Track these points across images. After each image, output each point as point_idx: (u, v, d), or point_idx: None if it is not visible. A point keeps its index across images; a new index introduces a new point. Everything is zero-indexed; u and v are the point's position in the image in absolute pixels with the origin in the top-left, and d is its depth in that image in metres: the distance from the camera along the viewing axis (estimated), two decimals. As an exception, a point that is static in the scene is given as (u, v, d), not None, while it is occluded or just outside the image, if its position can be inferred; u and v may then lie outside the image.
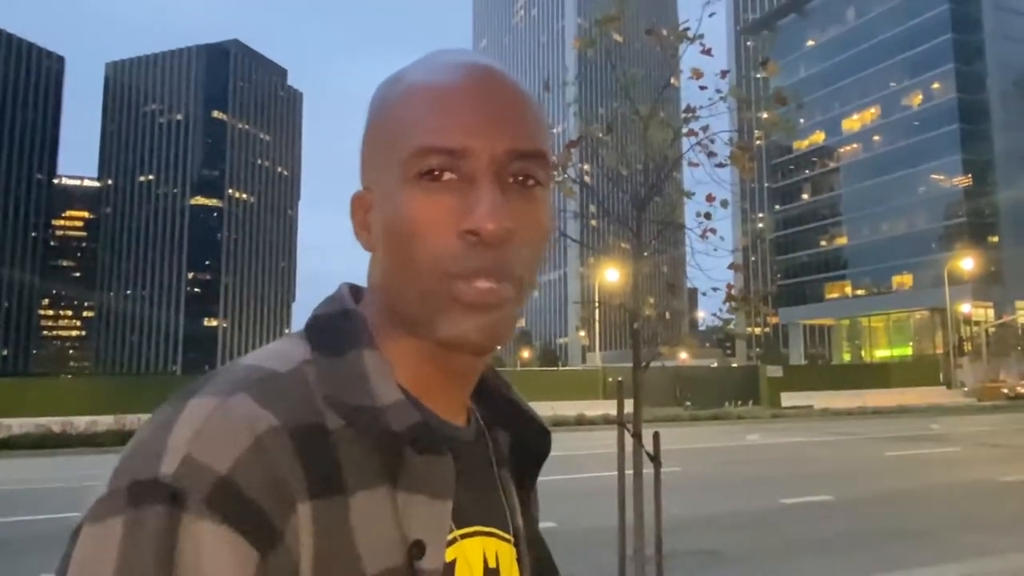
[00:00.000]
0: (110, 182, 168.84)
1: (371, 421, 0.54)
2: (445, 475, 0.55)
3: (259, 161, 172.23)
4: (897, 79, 72.55)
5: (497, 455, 0.67)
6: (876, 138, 74.99)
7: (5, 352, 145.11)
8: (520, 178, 0.57)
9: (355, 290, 0.65)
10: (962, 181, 66.82)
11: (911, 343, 69.42)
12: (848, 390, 33.34)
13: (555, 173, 4.35)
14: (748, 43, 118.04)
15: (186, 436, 0.49)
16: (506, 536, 0.64)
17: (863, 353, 72.80)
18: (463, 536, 0.59)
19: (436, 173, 0.55)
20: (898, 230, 71.68)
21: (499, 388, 0.70)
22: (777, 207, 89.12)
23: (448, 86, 0.56)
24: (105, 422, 19.32)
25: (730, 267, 4.34)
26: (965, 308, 57.12)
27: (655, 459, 4.04)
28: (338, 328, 0.60)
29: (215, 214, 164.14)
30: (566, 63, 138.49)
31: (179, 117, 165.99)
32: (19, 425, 19.05)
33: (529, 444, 0.70)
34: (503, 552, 0.63)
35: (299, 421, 0.52)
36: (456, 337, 0.56)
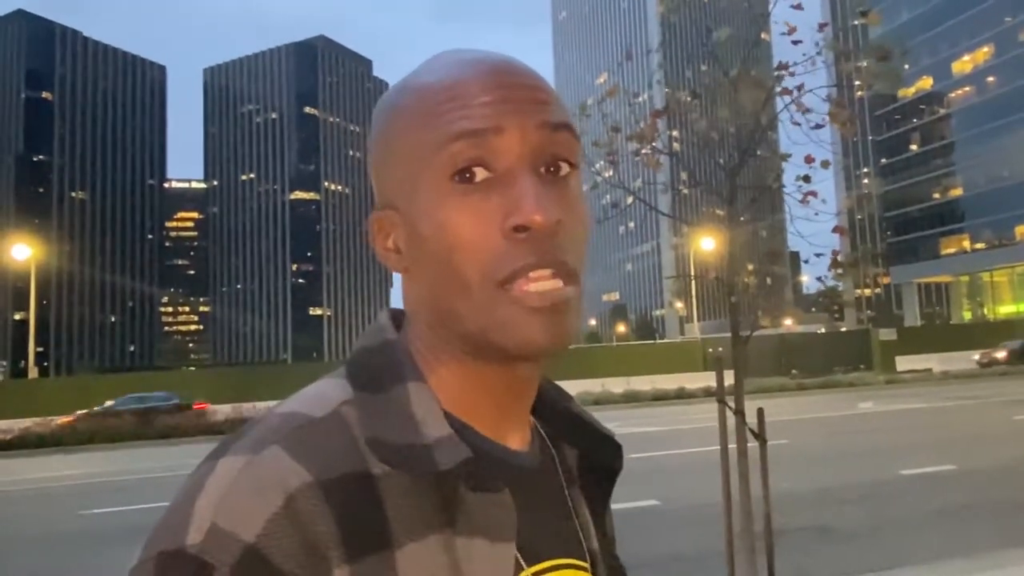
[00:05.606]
0: (215, 182, 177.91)
1: (418, 461, 0.50)
2: (504, 514, 0.51)
3: (351, 152, 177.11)
4: (1012, 13, 67.08)
5: (566, 474, 0.63)
6: (991, 79, 69.80)
7: (132, 348, 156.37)
8: (552, 168, 0.54)
9: (397, 315, 0.61)
10: (1092, 118, 61.45)
11: (1040, 297, 64.97)
12: (970, 351, 31.41)
13: (640, 146, 4.20)
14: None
15: (213, 501, 0.47)
16: (582, 564, 0.60)
17: (986, 311, 68.72)
18: (536, 574, 0.55)
19: (469, 174, 0.52)
20: (1020, 176, 66.67)
21: (560, 402, 0.65)
22: (883, 160, 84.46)
23: (468, 76, 0.54)
24: (223, 411, 20.50)
25: (835, 230, 4.08)
26: (1101, 257, 52.67)
27: (760, 437, 3.87)
28: (379, 362, 0.56)
29: (313, 207, 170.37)
30: (649, 30, 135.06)
31: (274, 116, 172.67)
32: (148, 417, 20.49)
33: (600, 460, 0.65)
34: None
35: (336, 472, 0.49)
36: (522, 342, 0.52)
